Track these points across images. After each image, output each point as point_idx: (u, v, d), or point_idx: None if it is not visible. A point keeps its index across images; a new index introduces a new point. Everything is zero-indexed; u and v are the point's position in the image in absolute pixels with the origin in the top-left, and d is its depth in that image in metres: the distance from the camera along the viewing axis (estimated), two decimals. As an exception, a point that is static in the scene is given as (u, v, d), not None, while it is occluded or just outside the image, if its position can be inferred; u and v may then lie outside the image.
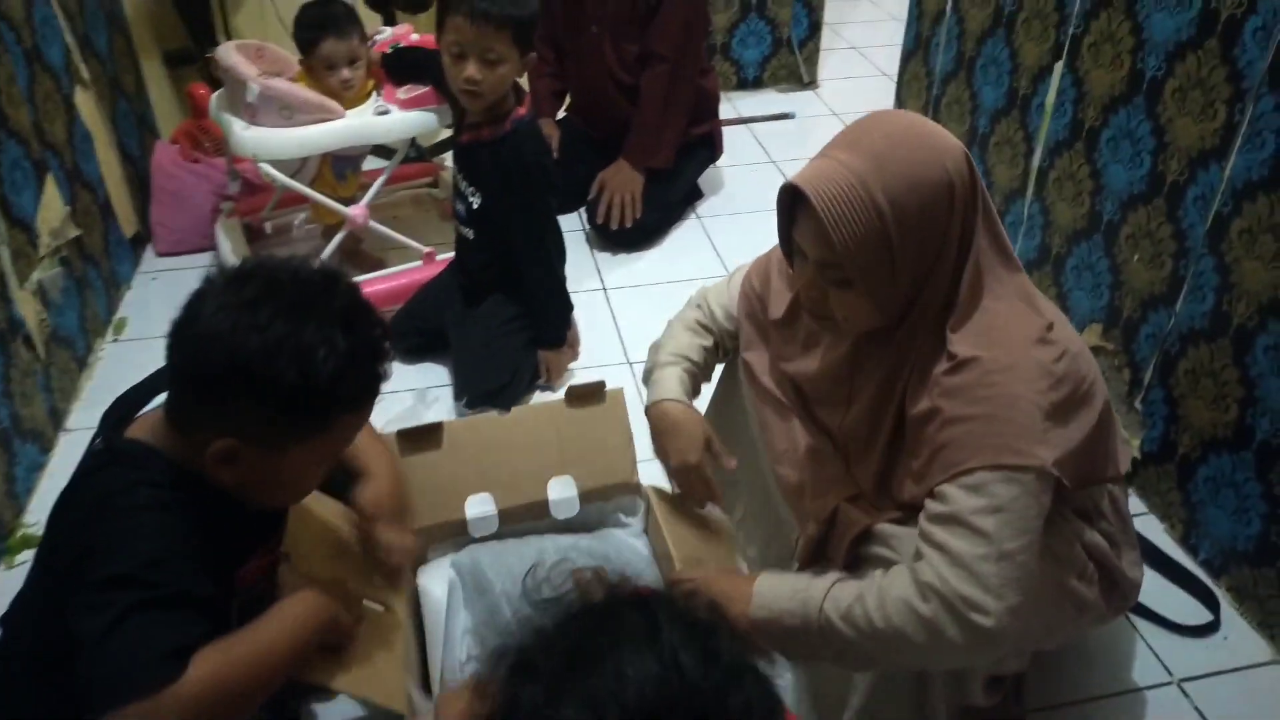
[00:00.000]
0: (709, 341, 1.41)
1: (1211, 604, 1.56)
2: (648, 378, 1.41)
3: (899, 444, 1.15)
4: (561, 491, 1.39)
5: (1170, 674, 1.47)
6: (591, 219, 2.57)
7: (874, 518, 1.16)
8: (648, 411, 1.36)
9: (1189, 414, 1.63)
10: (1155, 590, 1.58)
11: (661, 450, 1.35)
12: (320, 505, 1.21)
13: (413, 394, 2.06)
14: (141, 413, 1.02)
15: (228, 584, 1.03)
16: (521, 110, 1.93)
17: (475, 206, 1.99)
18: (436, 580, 1.31)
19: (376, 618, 1.12)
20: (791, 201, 1.08)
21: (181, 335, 0.93)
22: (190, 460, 0.96)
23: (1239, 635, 1.53)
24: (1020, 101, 2.02)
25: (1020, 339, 1.06)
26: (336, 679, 0.99)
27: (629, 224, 2.51)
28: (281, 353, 0.89)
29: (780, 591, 1.13)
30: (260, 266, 0.96)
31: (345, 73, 2.17)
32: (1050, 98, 1.91)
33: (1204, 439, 1.60)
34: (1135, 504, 1.76)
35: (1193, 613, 1.56)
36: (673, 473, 1.35)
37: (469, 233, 2.06)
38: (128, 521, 0.92)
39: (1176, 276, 1.62)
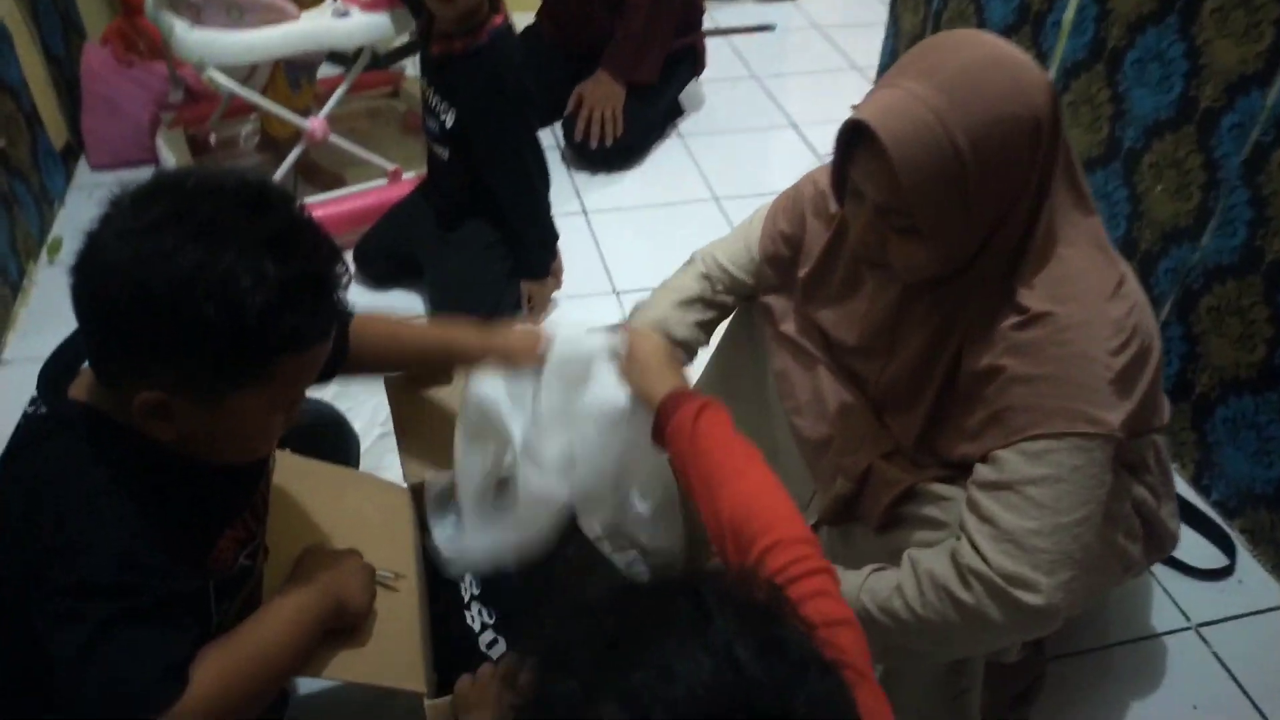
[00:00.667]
0: (707, 315, 1.29)
1: (1227, 548, 1.53)
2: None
3: (948, 400, 1.06)
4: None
5: (1188, 619, 1.44)
6: (569, 136, 2.41)
7: (916, 476, 1.08)
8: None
9: (1210, 352, 1.57)
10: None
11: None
12: (304, 480, 1.09)
13: (384, 325, 1.92)
14: (85, 366, 0.86)
15: (202, 564, 0.90)
16: (499, 18, 1.75)
17: (448, 125, 1.82)
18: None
19: (385, 592, 1.01)
20: (851, 135, 0.96)
21: (82, 269, 0.76)
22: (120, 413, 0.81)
23: (1255, 579, 1.50)
24: (1033, 17, 1.91)
25: (1095, 292, 0.97)
26: (350, 668, 0.88)
27: (609, 142, 2.36)
28: (195, 285, 0.73)
29: None
30: (173, 180, 0.78)
31: None
32: (1069, 14, 1.79)
33: (1225, 379, 1.55)
34: (1142, 442, 1.72)
35: (1208, 556, 1.53)
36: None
37: (443, 152, 1.88)
38: (88, 513, 0.78)
39: (1204, 209, 1.54)
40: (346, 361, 1.10)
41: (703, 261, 1.31)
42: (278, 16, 1.93)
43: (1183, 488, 1.64)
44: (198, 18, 1.88)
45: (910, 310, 1.08)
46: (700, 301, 1.29)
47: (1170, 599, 1.47)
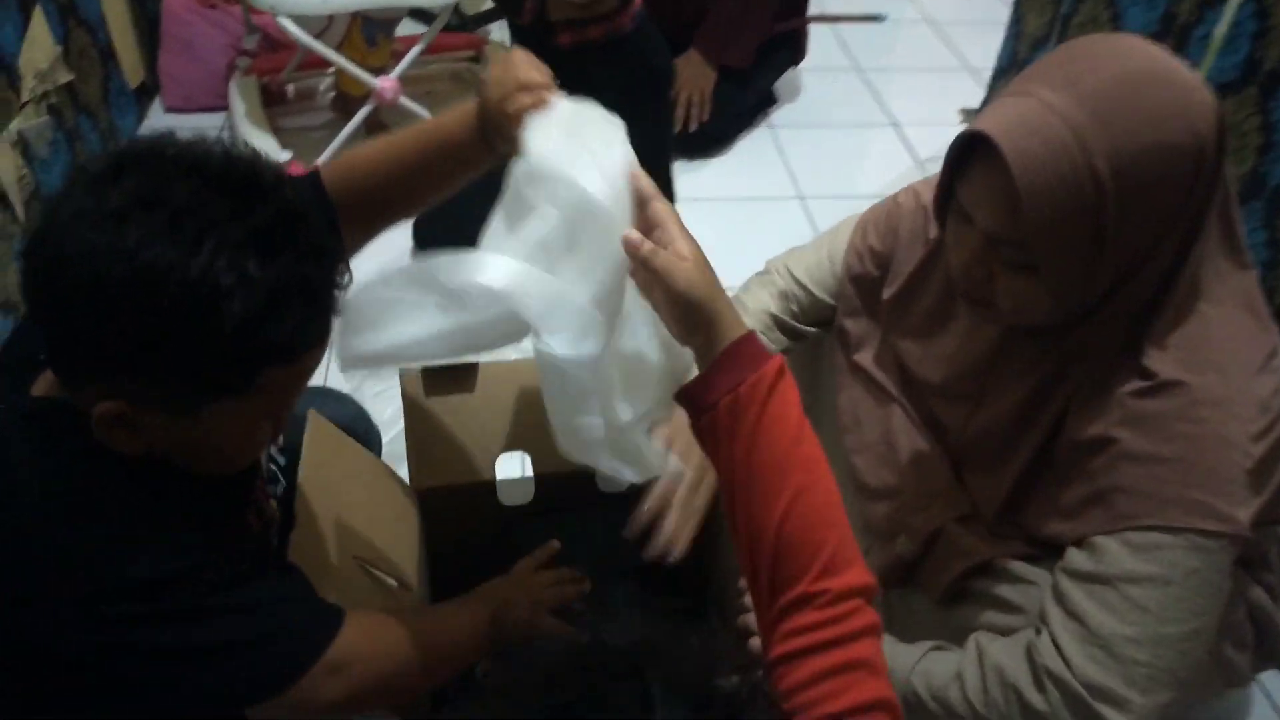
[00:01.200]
0: (782, 343, 1.14)
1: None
2: None
3: (1043, 466, 0.91)
4: (615, 468, 1.12)
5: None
6: (652, 117, 2.27)
7: (995, 549, 0.94)
8: None
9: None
10: None
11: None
12: (336, 454, 1.01)
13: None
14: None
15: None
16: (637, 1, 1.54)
17: None
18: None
19: (389, 594, 0.96)
20: (966, 149, 0.81)
21: (35, 253, 0.64)
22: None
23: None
24: (1177, 29, 1.70)
25: (1241, 363, 0.82)
26: None
27: (693, 127, 2.22)
28: (163, 287, 0.62)
29: None
30: (147, 153, 0.66)
31: None
32: (1221, 28, 1.59)
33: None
34: None
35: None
36: None
37: None
38: (107, 507, 0.69)
39: (1257, 174, 1.34)
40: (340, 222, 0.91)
41: (779, 275, 1.16)
42: (355, -36, 1.85)
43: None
44: (262, -31, 1.81)
45: (1012, 355, 0.93)
46: (777, 326, 1.14)
47: (1273, 707, 1.29)
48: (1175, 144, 0.75)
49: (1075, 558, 0.84)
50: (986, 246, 0.82)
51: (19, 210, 1.65)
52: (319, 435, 0.99)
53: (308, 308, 0.67)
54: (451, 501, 1.11)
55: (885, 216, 1.08)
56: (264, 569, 0.76)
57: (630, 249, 0.75)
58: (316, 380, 1.05)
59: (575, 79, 1.30)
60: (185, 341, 0.63)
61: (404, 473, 1.13)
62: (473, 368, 1.12)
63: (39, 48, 1.73)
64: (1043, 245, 0.78)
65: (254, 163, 0.68)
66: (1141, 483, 0.81)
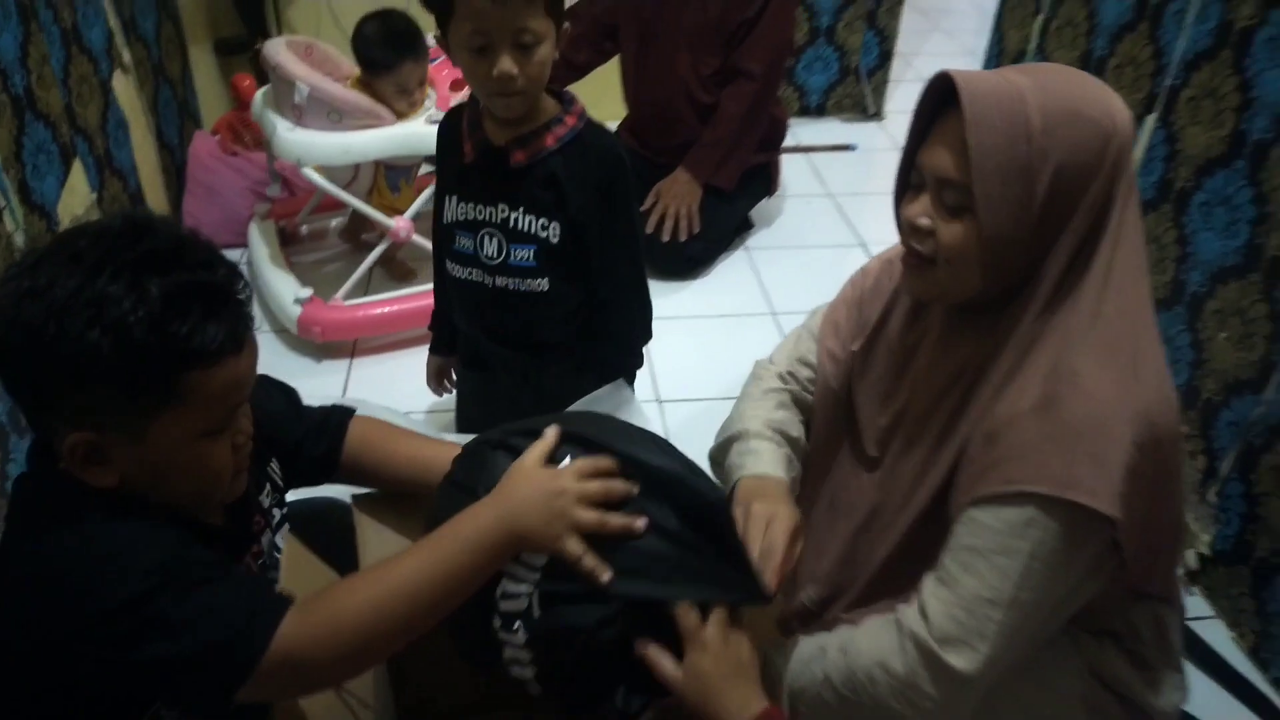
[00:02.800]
0: (799, 418, 1.21)
1: (1281, 730, 1.40)
2: (723, 455, 1.18)
3: (960, 460, 1.00)
4: None
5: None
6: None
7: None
8: (738, 485, 1.13)
9: (1270, 514, 1.46)
10: (1216, 702, 1.43)
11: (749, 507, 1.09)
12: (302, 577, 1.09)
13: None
14: None
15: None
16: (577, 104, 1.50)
17: (552, 241, 1.41)
18: None
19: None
20: (931, 115, 0.95)
21: None
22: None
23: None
24: (1103, 154, 1.87)
25: (1141, 373, 0.91)
26: None
27: (683, 237, 2.40)
28: (74, 311, 0.74)
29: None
30: (65, 232, 0.81)
31: (417, 94, 2.09)
32: (1138, 153, 1.76)
33: (1287, 545, 1.44)
34: (1200, 606, 1.60)
35: (1261, 739, 1.39)
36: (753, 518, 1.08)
37: (537, 285, 1.45)
38: (92, 550, 0.80)
39: (1268, 361, 1.46)
40: (343, 459, 1.11)
41: (772, 363, 1.26)
42: (374, 121, 2.05)
43: (1240, 661, 1.51)
44: (300, 119, 2.01)
45: (949, 346, 1.04)
46: (795, 402, 1.23)
47: None
48: (1094, 120, 0.89)
49: (957, 534, 0.94)
50: (935, 194, 0.94)
51: (51, 339, 1.82)
52: (296, 558, 1.07)
53: (206, 308, 0.78)
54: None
55: (854, 299, 1.19)
56: (223, 574, 0.82)
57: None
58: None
59: (543, 189, 1.41)
60: (103, 355, 0.75)
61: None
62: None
63: (76, 195, 1.93)
64: (982, 180, 0.89)
65: (148, 213, 0.83)
66: (1029, 453, 0.90)
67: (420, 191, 2.26)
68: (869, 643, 0.97)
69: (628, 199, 1.46)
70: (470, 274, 1.48)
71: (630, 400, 1.49)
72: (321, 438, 1.12)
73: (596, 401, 1.44)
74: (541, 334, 1.52)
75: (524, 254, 1.43)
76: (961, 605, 0.91)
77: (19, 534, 0.86)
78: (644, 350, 1.63)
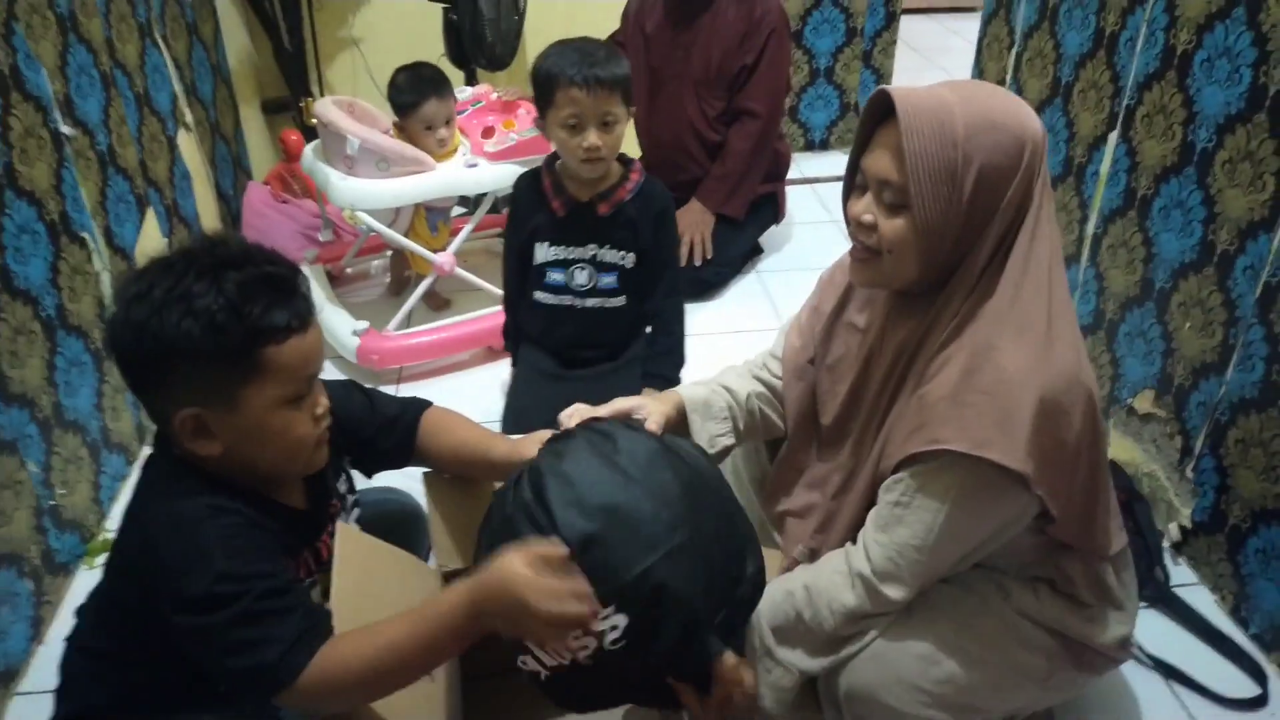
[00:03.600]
0: (756, 388, 1.41)
1: (1260, 678, 1.53)
2: None
3: (894, 421, 1.18)
4: None
5: (1213, 747, 1.44)
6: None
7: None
8: None
9: (1239, 484, 1.61)
10: (1202, 662, 1.56)
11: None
12: (363, 555, 1.18)
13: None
14: None
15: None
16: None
17: (629, 267, 1.89)
18: None
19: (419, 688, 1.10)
20: (872, 127, 1.11)
21: (105, 344, 1.02)
22: (200, 460, 1.02)
23: (1287, 712, 1.49)
24: (1076, 169, 2.05)
25: (1054, 347, 1.07)
26: None
27: (698, 261, 2.59)
28: (168, 307, 0.94)
29: None
30: (155, 258, 1.02)
31: (442, 132, 2.31)
32: (1105, 166, 1.93)
33: (1254, 510, 1.58)
34: (1185, 574, 1.74)
35: (1241, 686, 1.53)
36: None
37: (618, 302, 1.92)
38: (186, 540, 0.98)
39: (1227, 345, 1.62)
40: (416, 448, 1.31)
41: (744, 362, 1.46)
42: (418, 168, 2.26)
43: (1223, 621, 1.65)
44: (351, 169, 2.23)
45: (891, 329, 1.20)
46: (756, 379, 1.42)
47: (1194, 725, 1.47)
48: (1009, 129, 1.05)
49: (891, 487, 1.12)
50: (876, 194, 1.09)
51: (130, 369, 2.02)
52: (347, 540, 1.16)
53: (274, 294, 0.98)
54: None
55: (813, 301, 1.38)
56: (265, 603, 0.97)
57: None
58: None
59: (622, 229, 1.87)
60: (197, 339, 0.94)
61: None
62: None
63: (150, 240, 2.15)
64: (915, 180, 1.04)
65: (223, 232, 1.05)
66: (950, 418, 1.06)
67: (455, 232, 2.48)
68: (827, 583, 1.16)
69: (674, 226, 1.93)
70: (562, 300, 1.92)
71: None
72: (394, 432, 1.31)
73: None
74: (616, 340, 1.96)
75: (609, 279, 1.90)
76: (895, 549, 1.12)
77: (139, 503, 1.07)
78: None
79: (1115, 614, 1.23)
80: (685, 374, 2.27)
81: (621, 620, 0.98)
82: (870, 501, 1.19)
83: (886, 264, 1.12)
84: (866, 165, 1.11)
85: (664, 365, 1.95)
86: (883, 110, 1.09)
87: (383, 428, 1.30)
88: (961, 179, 1.04)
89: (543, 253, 1.89)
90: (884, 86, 1.09)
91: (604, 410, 1.25)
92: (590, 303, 1.91)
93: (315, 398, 1.07)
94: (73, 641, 1.15)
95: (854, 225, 1.14)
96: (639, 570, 0.98)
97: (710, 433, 1.35)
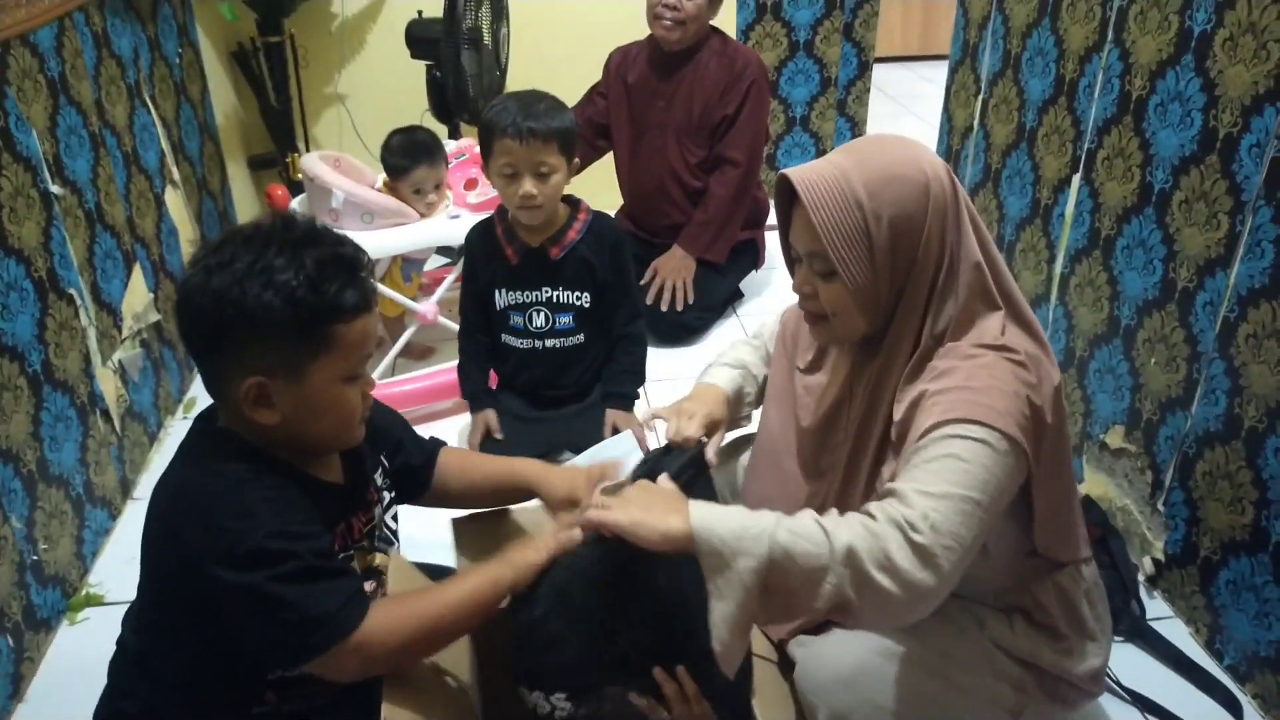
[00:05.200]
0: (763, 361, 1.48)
1: (1235, 710, 1.54)
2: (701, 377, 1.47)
3: (885, 453, 1.20)
4: None
5: (1190, 779, 1.45)
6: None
7: None
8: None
9: (1208, 516, 1.64)
10: (1179, 695, 1.57)
11: (678, 405, 1.36)
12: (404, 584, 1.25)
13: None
14: None
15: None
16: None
17: (586, 305, 1.97)
18: None
19: (443, 694, 1.15)
20: (789, 205, 1.18)
21: (177, 302, 1.04)
22: (248, 430, 1.06)
23: (1263, 743, 1.50)
24: (1042, 211, 2.11)
25: (1017, 348, 1.12)
26: None
27: (680, 306, 2.63)
28: (253, 278, 0.98)
29: (723, 512, 1.05)
30: (229, 229, 1.09)
31: (431, 196, 2.36)
32: (1069, 208, 1.99)
33: (1223, 541, 1.61)
34: (1160, 608, 1.76)
35: (1218, 718, 1.54)
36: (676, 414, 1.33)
37: (577, 339, 2.00)
38: (235, 498, 1.01)
39: (1191, 380, 1.65)
40: (433, 486, 1.34)
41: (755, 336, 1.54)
42: (401, 220, 2.31)
43: (1198, 653, 1.66)
44: (336, 221, 2.27)
45: (858, 375, 1.24)
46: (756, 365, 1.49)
47: None
48: (906, 176, 1.10)
49: (910, 458, 1.09)
50: (808, 265, 1.16)
51: (116, 423, 2.04)
52: (399, 570, 1.24)
53: (347, 275, 1.02)
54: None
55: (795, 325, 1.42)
56: (318, 563, 1.02)
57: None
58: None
59: (575, 270, 1.94)
60: (275, 311, 0.98)
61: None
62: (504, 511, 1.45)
63: (136, 295, 2.18)
64: (834, 250, 1.10)
65: (292, 211, 1.09)
66: (937, 406, 1.08)
67: (436, 281, 2.52)
68: (861, 529, 1.01)
69: (628, 258, 1.99)
70: (524, 343, 1.99)
71: (635, 449, 1.80)
72: (420, 451, 1.35)
73: (607, 448, 1.75)
74: (582, 378, 2.03)
75: (565, 319, 1.97)
76: (902, 497, 1.01)
77: (179, 469, 1.09)
78: (646, 405, 1.99)
79: (1089, 645, 1.25)
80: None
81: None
82: (867, 493, 1.23)
83: (836, 324, 1.19)
84: (793, 242, 1.19)
85: (625, 383, 2.03)
86: (791, 190, 1.15)
87: (412, 441, 1.35)
88: (875, 235, 1.11)
89: (501, 299, 1.98)
90: (783, 170, 1.16)
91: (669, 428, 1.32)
92: (549, 343, 1.99)
93: (368, 377, 1.12)
94: (119, 642, 1.18)
95: (800, 296, 1.22)
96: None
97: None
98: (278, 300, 0.98)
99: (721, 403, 1.39)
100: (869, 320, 1.17)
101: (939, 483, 1.02)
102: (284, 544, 0.99)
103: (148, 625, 1.12)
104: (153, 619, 1.11)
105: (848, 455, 1.25)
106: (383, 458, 1.28)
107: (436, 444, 1.38)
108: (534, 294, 1.95)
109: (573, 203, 1.97)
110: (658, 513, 1.02)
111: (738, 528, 0.99)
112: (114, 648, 1.18)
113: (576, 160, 1.90)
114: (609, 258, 1.95)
